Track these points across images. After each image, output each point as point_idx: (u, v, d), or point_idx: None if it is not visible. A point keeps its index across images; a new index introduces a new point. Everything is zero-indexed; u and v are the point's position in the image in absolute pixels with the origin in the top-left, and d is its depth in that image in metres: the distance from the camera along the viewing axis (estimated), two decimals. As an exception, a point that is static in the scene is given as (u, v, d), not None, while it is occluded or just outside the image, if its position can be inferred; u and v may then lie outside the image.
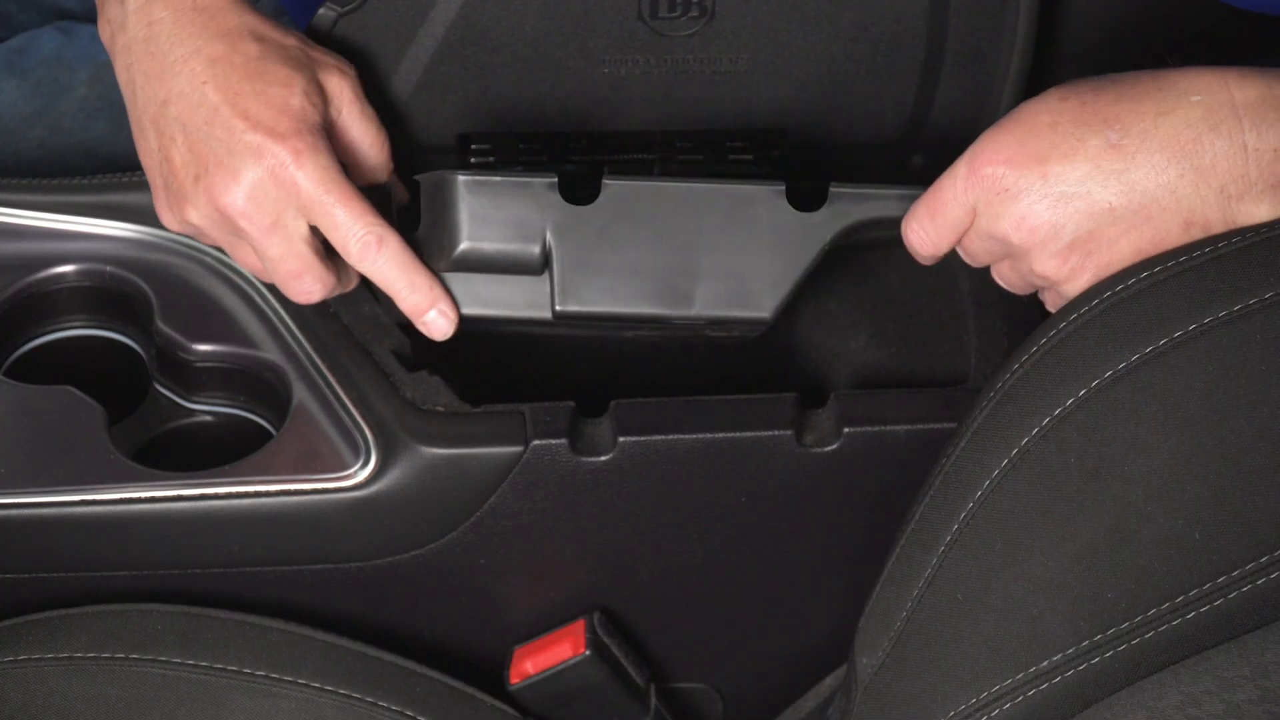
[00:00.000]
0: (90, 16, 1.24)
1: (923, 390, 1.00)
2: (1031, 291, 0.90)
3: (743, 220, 0.93)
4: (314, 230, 0.93)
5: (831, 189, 0.92)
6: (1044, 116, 0.85)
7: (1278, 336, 0.78)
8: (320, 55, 0.96)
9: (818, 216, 0.92)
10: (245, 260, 0.97)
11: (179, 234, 0.97)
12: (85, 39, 1.21)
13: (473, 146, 1.07)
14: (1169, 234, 0.83)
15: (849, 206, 0.93)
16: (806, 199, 0.93)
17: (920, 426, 0.96)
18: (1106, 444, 0.78)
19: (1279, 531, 0.74)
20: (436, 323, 0.95)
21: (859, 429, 0.96)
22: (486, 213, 0.93)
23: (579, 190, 0.93)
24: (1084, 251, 0.84)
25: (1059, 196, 0.84)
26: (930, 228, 0.89)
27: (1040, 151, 0.84)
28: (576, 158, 1.08)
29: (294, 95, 0.92)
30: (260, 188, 0.91)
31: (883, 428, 0.96)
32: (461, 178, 0.93)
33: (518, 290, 0.95)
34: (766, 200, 0.93)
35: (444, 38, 1.02)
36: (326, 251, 0.95)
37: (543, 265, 0.94)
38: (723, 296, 0.94)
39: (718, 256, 0.93)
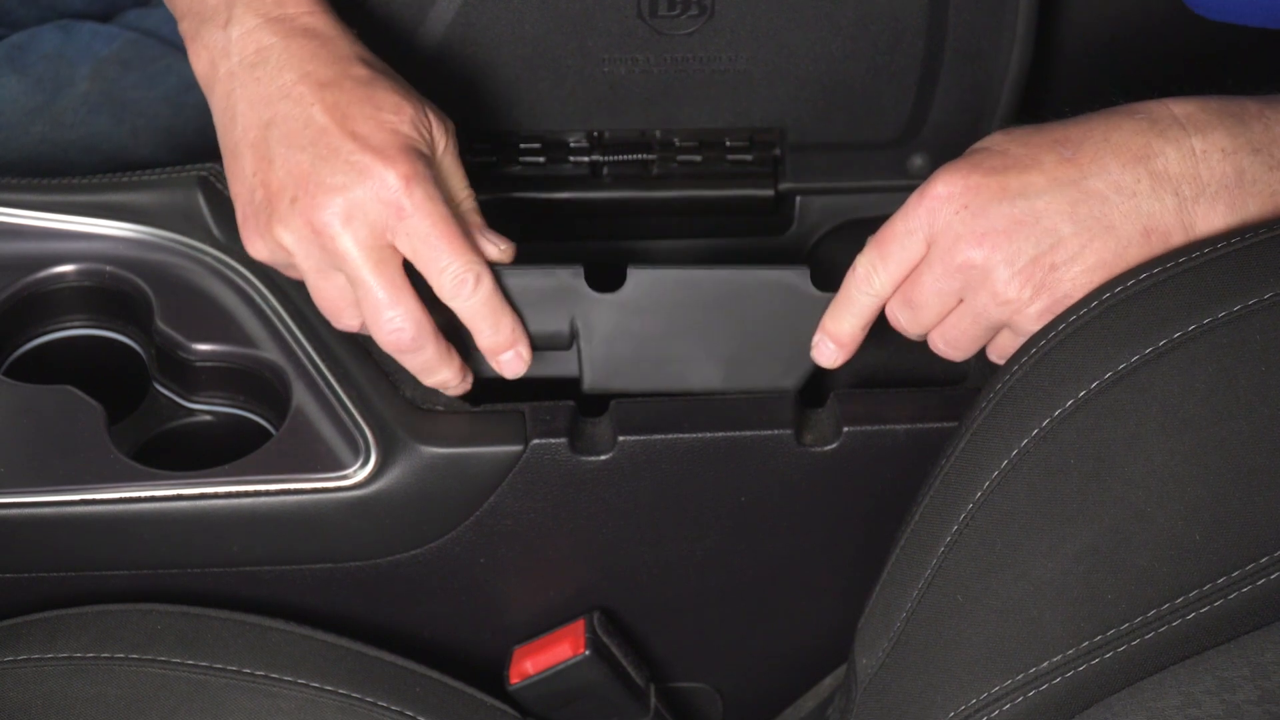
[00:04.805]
0: (89, 13, 1.24)
1: (923, 390, 0.99)
2: (982, 340, 0.89)
3: (767, 304, 0.95)
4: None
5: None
6: (995, 148, 0.87)
7: (1278, 336, 0.78)
8: (424, 99, 0.93)
9: None
10: (328, 295, 0.92)
11: (263, 262, 0.93)
12: (86, 35, 1.21)
13: (473, 146, 1.07)
14: (1130, 243, 0.83)
15: None
16: (829, 280, 0.93)
17: (920, 426, 0.96)
18: (1106, 445, 0.78)
19: (1279, 532, 0.74)
20: (511, 363, 0.94)
21: (858, 428, 0.96)
22: (514, 302, 0.93)
23: (604, 278, 0.95)
24: (1047, 266, 0.84)
25: (1019, 210, 0.84)
26: (879, 261, 0.88)
27: (996, 170, 0.85)
28: (575, 158, 1.08)
29: (404, 122, 0.90)
30: (360, 207, 0.87)
31: (882, 427, 0.96)
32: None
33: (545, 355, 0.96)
34: (790, 284, 0.94)
35: (444, 38, 1.02)
36: None
37: (570, 343, 0.95)
38: (747, 375, 0.96)
39: (742, 340, 0.95)
